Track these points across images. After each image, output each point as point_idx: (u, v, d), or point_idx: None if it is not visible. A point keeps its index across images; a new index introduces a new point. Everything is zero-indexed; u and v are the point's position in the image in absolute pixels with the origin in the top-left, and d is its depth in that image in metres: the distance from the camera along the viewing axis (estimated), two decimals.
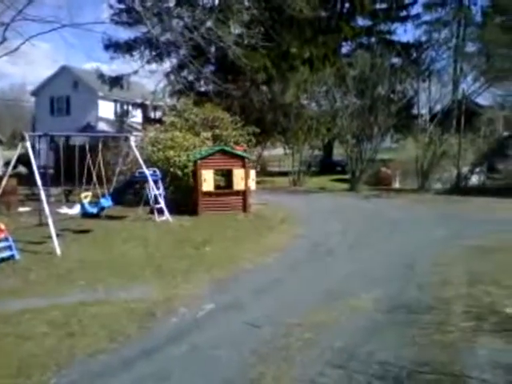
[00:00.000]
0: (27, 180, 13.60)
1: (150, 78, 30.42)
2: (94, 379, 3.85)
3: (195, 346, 4.46)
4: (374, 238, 9.99)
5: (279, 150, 30.50)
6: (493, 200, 15.71)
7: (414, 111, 24.60)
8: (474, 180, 22.91)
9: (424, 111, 23.74)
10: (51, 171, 13.12)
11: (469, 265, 7.34)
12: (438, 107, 22.82)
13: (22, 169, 20.11)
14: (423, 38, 26.57)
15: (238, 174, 12.11)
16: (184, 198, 12.60)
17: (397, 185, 24.21)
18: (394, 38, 28.24)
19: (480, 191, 18.94)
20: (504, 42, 19.47)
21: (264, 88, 22.70)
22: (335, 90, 21.60)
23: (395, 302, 5.60)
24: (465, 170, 22.38)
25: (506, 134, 24.15)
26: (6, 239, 7.56)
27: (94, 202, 10.74)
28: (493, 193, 18.00)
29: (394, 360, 4.07)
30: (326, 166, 30.20)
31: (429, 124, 21.91)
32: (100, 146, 10.93)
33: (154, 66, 24.55)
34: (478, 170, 22.90)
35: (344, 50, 28.88)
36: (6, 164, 19.65)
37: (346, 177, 22.88)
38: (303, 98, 23.90)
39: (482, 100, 25.00)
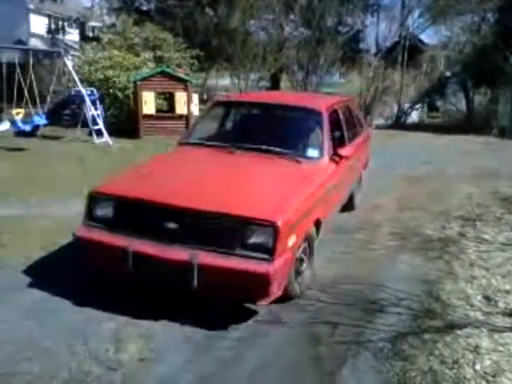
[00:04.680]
0: None
1: None
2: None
3: None
4: None
5: (227, 80, 29.80)
6: (428, 135, 16.36)
7: (362, 46, 24.56)
8: (414, 117, 23.66)
9: (372, 46, 23.76)
10: None
11: (400, 192, 7.74)
12: (387, 43, 22.81)
13: None
14: None
15: (180, 97, 11.79)
16: (125, 120, 12.21)
17: None
18: None
19: (418, 127, 19.66)
20: None
21: (209, 11, 21.62)
22: (283, 18, 21.03)
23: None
24: (406, 106, 23.01)
25: (447, 73, 24.66)
26: None
27: (27, 120, 10.20)
28: (429, 129, 18.73)
29: (318, 273, 4.31)
30: None
31: (374, 59, 22.00)
32: (31, 61, 10.24)
33: None
34: (418, 106, 23.57)
35: None
36: None
37: None
38: (250, 24, 23.08)
39: (426, 38, 25.24)
